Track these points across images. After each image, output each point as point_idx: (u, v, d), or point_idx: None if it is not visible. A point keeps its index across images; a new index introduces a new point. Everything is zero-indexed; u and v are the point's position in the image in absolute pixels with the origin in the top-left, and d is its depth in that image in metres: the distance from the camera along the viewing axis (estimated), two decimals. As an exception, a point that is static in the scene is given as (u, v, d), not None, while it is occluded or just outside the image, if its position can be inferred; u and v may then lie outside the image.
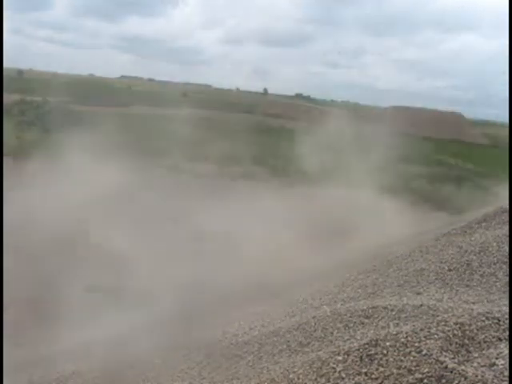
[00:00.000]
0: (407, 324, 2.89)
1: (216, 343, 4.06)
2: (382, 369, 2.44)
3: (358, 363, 2.54)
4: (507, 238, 4.08)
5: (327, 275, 5.55)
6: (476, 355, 2.39)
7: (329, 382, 2.51)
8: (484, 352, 2.41)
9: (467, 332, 2.56)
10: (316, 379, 2.57)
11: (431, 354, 2.38)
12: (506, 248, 3.91)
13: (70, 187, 18.07)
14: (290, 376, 2.70)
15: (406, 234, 6.51)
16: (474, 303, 3.12)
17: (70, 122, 29.68)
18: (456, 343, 2.48)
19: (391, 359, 2.47)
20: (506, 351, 2.34)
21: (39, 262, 11.76)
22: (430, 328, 2.61)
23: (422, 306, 3.16)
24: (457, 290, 3.54)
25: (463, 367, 2.25)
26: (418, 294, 3.61)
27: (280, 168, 25.85)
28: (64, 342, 6.98)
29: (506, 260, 3.74)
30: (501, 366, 2.24)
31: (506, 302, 3.02)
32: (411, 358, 2.41)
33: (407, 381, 2.28)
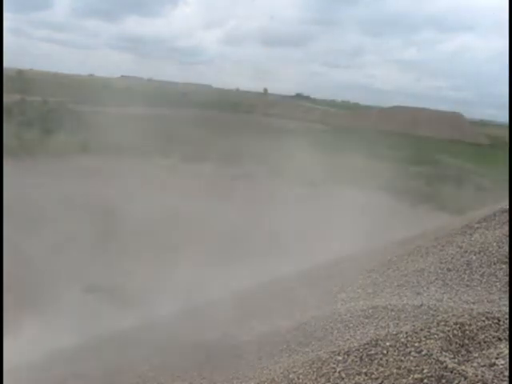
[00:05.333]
0: (407, 324, 2.89)
1: (216, 343, 4.06)
2: (382, 369, 2.44)
3: (357, 363, 2.54)
4: (507, 238, 4.08)
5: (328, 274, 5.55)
6: (476, 355, 2.39)
7: (329, 382, 2.51)
8: (484, 352, 2.41)
9: (467, 332, 2.56)
10: (316, 379, 2.57)
11: (431, 354, 2.38)
12: (506, 248, 3.91)
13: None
14: (290, 376, 2.70)
15: (406, 235, 6.51)
16: (474, 303, 3.12)
17: (69, 122, 29.68)
18: (456, 343, 2.48)
19: (391, 359, 2.47)
20: (506, 351, 2.34)
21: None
22: (430, 328, 2.62)
23: (422, 305, 3.16)
24: (457, 290, 3.54)
25: (463, 367, 2.25)
26: (418, 294, 3.61)
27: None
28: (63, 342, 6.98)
29: (506, 260, 3.74)
30: (501, 366, 2.24)
31: (506, 302, 3.02)
32: (411, 358, 2.41)
33: (407, 381, 2.28)
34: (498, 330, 2.58)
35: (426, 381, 2.23)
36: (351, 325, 3.25)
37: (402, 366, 2.38)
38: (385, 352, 2.54)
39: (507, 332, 2.55)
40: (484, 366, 2.27)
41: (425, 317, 2.95)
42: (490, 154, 46.04)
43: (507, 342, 2.45)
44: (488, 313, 2.71)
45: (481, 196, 22.99)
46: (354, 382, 2.42)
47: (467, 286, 3.61)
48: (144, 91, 72.76)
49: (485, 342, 2.49)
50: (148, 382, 3.90)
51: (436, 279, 3.85)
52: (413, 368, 2.34)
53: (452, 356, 2.37)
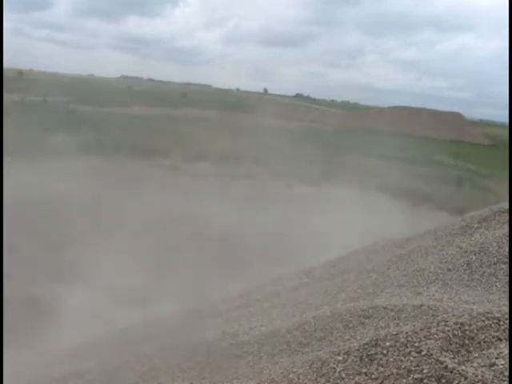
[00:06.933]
0: (407, 324, 2.89)
1: (216, 343, 4.06)
2: (381, 369, 2.43)
3: (358, 363, 2.54)
4: (507, 238, 4.08)
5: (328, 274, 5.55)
6: (476, 355, 2.39)
7: (329, 382, 2.51)
8: (484, 352, 2.41)
9: (467, 332, 2.56)
10: (316, 379, 2.57)
11: (431, 354, 2.38)
12: (506, 248, 3.91)
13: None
14: (290, 376, 2.70)
15: (405, 235, 6.51)
16: (473, 303, 3.13)
17: (69, 122, 29.67)
18: (456, 343, 2.48)
19: (391, 359, 2.47)
20: (506, 351, 2.34)
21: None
22: (429, 328, 2.61)
23: (422, 306, 3.16)
24: (457, 290, 3.54)
25: (463, 367, 2.25)
26: (418, 294, 3.61)
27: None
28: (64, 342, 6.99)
29: (506, 260, 3.74)
30: (501, 366, 2.24)
31: (506, 302, 3.02)
32: (411, 358, 2.41)
33: (407, 381, 2.28)
34: (498, 330, 2.58)
35: (425, 381, 2.23)
36: (351, 325, 3.25)
37: (402, 366, 2.38)
38: (385, 352, 2.54)
39: (507, 332, 2.55)
40: (484, 366, 2.27)
41: (425, 317, 2.95)
42: (490, 154, 46.05)
43: (507, 342, 2.45)
44: (488, 313, 2.71)
45: (481, 196, 23.00)
46: (353, 382, 2.42)
47: (467, 286, 3.61)
48: (144, 91, 72.72)
49: (485, 342, 2.49)
50: (148, 382, 3.90)
51: (436, 279, 3.85)
52: (413, 368, 2.34)
53: (452, 356, 2.37)
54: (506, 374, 2.17)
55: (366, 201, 20.16)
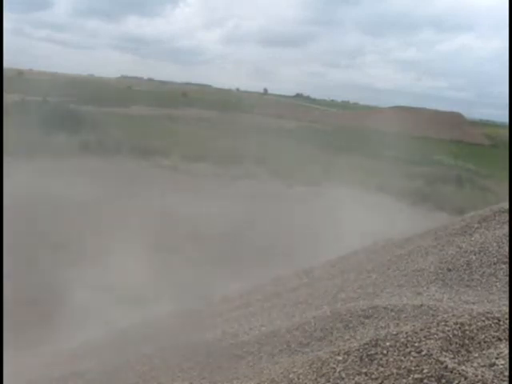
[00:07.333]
0: (407, 324, 2.89)
1: (216, 343, 4.06)
2: (381, 369, 2.43)
3: (357, 363, 2.54)
4: (507, 238, 4.08)
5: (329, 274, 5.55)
6: (476, 355, 2.39)
7: (329, 382, 2.51)
8: (484, 352, 2.41)
9: (467, 332, 2.56)
10: (316, 379, 2.57)
11: (431, 354, 2.38)
12: (506, 248, 3.92)
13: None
14: (290, 376, 2.70)
15: (405, 235, 6.51)
16: (473, 303, 3.13)
17: (70, 122, 29.65)
18: (456, 343, 2.48)
19: (391, 359, 2.47)
20: (506, 351, 2.34)
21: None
22: (429, 328, 2.62)
23: (422, 306, 3.16)
24: (457, 290, 3.54)
25: (463, 367, 2.25)
26: (418, 294, 3.62)
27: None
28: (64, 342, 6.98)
29: (506, 260, 3.74)
30: (501, 366, 2.24)
31: (506, 302, 3.02)
32: (411, 358, 2.41)
33: (407, 381, 2.28)
34: (498, 330, 2.58)
35: (425, 381, 2.23)
36: (351, 325, 3.26)
37: (402, 366, 2.38)
38: (385, 352, 2.54)
39: (507, 332, 2.55)
40: (484, 366, 2.27)
41: (425, 317, 2.95)
42: (490, 154, 46.06)
43: (507, 342, 2.45)
44: (488, 313, 2.71)
45: (481, 196, 23.00)
46: (353, 382, 2.42)
47: (467, 286, 3.62)
48: (144, 91, 72.73)
49: (485, 342, 2.49)
50: (148, 382, 3.90)
51: (436, 279, 3.85)
52: (413, 368, 2.34)
53: (452, 356, 2.37)
54: (506, 373, 2.17)
55: (366, 201, 20.16)
